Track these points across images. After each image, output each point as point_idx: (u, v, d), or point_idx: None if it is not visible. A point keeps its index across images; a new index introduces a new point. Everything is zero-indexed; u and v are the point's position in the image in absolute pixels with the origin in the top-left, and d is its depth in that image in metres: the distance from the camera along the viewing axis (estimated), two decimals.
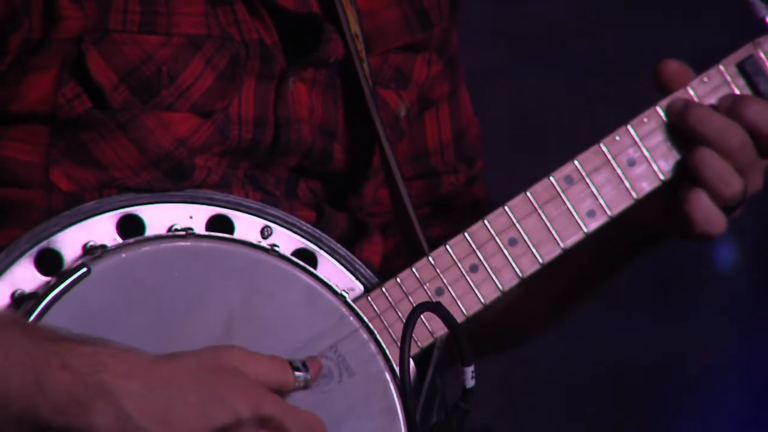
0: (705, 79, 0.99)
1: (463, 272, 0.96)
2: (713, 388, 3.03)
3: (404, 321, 0.94)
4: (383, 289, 0.95)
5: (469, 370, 0.88)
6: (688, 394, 3.03)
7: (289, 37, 1.01)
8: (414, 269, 0.96)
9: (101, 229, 0.91)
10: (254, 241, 0.94)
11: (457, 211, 1.20)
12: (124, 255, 0.90)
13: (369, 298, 0.95)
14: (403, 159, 1.16)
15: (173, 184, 0.94)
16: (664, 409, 3.02)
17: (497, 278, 0.96)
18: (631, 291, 2.85)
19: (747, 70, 0.98)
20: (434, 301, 0.95)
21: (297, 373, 0.86)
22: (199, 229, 0.93)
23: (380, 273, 1.01)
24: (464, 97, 1.24)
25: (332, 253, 0.97)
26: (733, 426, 3.06)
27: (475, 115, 1.27)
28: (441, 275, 0.96)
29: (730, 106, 0.97)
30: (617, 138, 0.98)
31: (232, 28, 0.97)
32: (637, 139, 0.98)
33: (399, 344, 0.94)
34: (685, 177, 0.98)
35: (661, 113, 0.98)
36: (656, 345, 2.99)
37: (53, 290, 0.87)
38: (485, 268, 0.96)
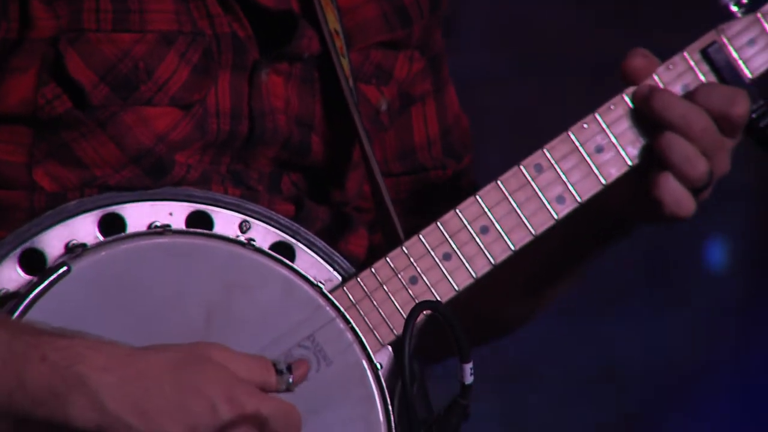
0: (670, 66, 1.00)
1: (437, 260, 0.98)
2: (705, 387, 3.03)
3: (384, 312, 0.97)
4: (359, 279, 0.97)
5: (468, 367, 0.90)
6: (680, 393, 3.03)
7: (264, 30, 1.03)
8: (388, 259, 0.98)
9: (83, 228, 0.94)
10: (232, 236, 0.96)
11: (444, 205, 1.21)
12: (103, 253, 0.92)
13: (345, 288, 0.97)
14: (391, 156, 1.19)
15: (153, 181, 0.96)
16: (656, 409, 3.03)
17: (470, 265, 0.98)
18: (624, 291, 2.87)
19: (710, 55, 1.00)
20: (434, 300, 0.97)
21: (280, 376, 0.87)
22: (179, 225, 0.95)
23: (365, 266, 1.02)
24: (451, 94, 1.26)
25: (310, 245, 0.99)
26: (725, 425, 3.06)
27: (473, 117, 1.29)
28: (415, 264, 0.98)
29: (694, 92, 0.99)
30: (585, 126, 1.00)
31: (204, 22, 0.99)
32: (604, 126, 1.00)
33: (375, 332, 0.97)
34: (652, 161, 0.99)
35: (628, 100, 1.00)
36: (648, 345, 2.99)
37: (35, 289, 0.89)
38: (458, 256, 0.98)
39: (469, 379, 0.90)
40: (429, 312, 0.90)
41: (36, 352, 0.78)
